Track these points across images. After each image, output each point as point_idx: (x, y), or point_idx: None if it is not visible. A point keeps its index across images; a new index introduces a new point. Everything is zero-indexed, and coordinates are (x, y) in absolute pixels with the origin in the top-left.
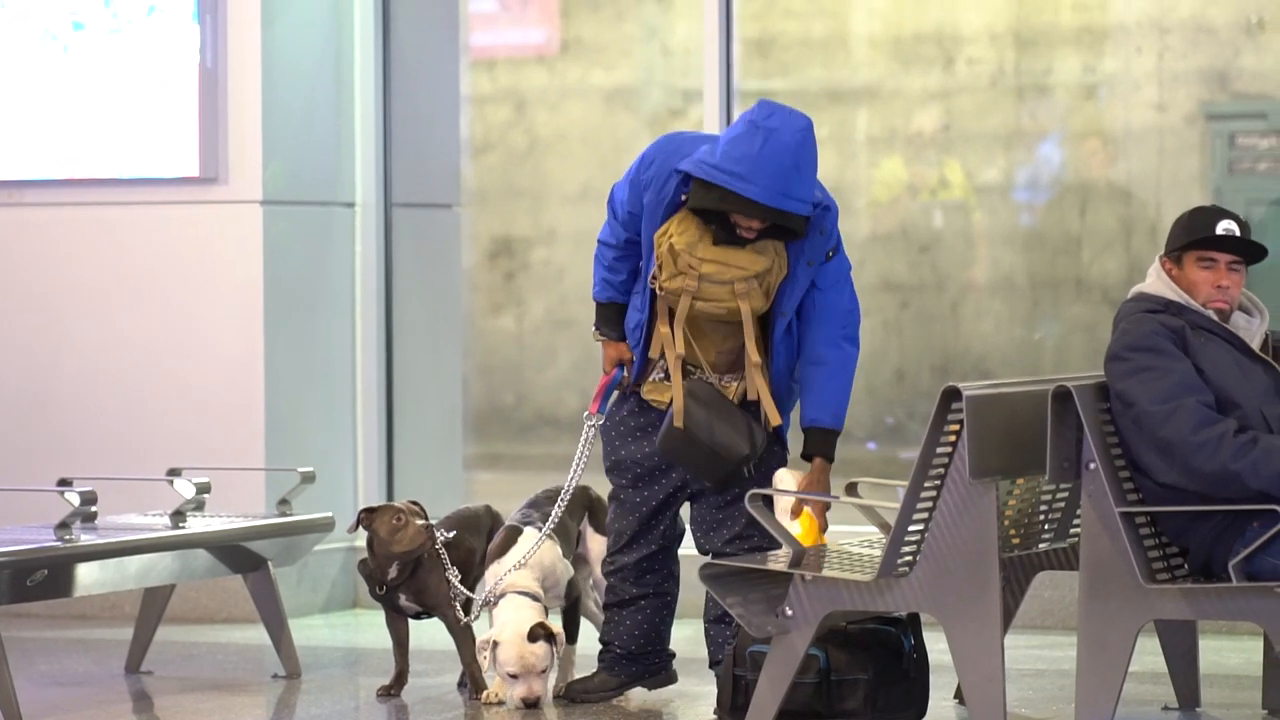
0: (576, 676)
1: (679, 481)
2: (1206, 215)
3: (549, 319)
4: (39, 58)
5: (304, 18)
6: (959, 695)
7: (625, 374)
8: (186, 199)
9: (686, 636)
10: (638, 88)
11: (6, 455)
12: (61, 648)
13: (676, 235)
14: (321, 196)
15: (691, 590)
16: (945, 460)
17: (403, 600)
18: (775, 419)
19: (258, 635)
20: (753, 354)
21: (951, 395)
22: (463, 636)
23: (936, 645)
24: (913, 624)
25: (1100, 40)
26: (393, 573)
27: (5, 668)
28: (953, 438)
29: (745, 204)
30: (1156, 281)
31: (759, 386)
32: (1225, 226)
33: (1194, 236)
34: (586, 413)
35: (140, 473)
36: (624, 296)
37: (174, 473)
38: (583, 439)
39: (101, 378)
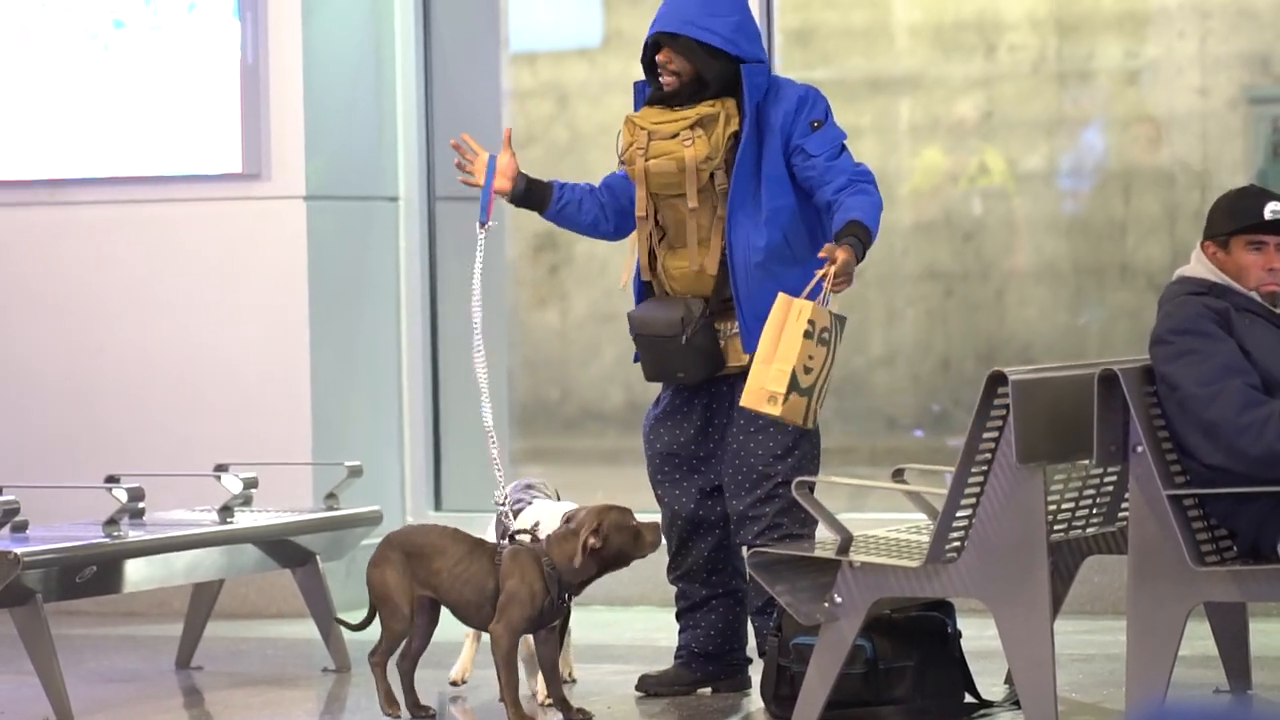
0: (650, 671)
1: (717, 474)
2: (1252, 198)
3: (593, 313)
4: (80, 56)
5: (344, 13)
6: (1009, 680)
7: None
8: (229, 195)
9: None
10: None
11: (54, 453)
12: (111, 644)
13: (630, 115)
14: (364, 191)
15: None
16: (992, 445)
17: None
18: (696, 263)
19: (307, 630)
20: (691, 200)
21: (997, 380)
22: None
23: (986, 631)
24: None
25: (1142, 25)
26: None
27: (55, 664)
28: (999, 423)
29: (656, 40)
30: (1198, 265)
31: (689, 231)
32: (1273, 209)
33: (1242, 222)
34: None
35: (187, 469)
36: (561, 189)
37: (221, 468)
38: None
39: (147, 375)
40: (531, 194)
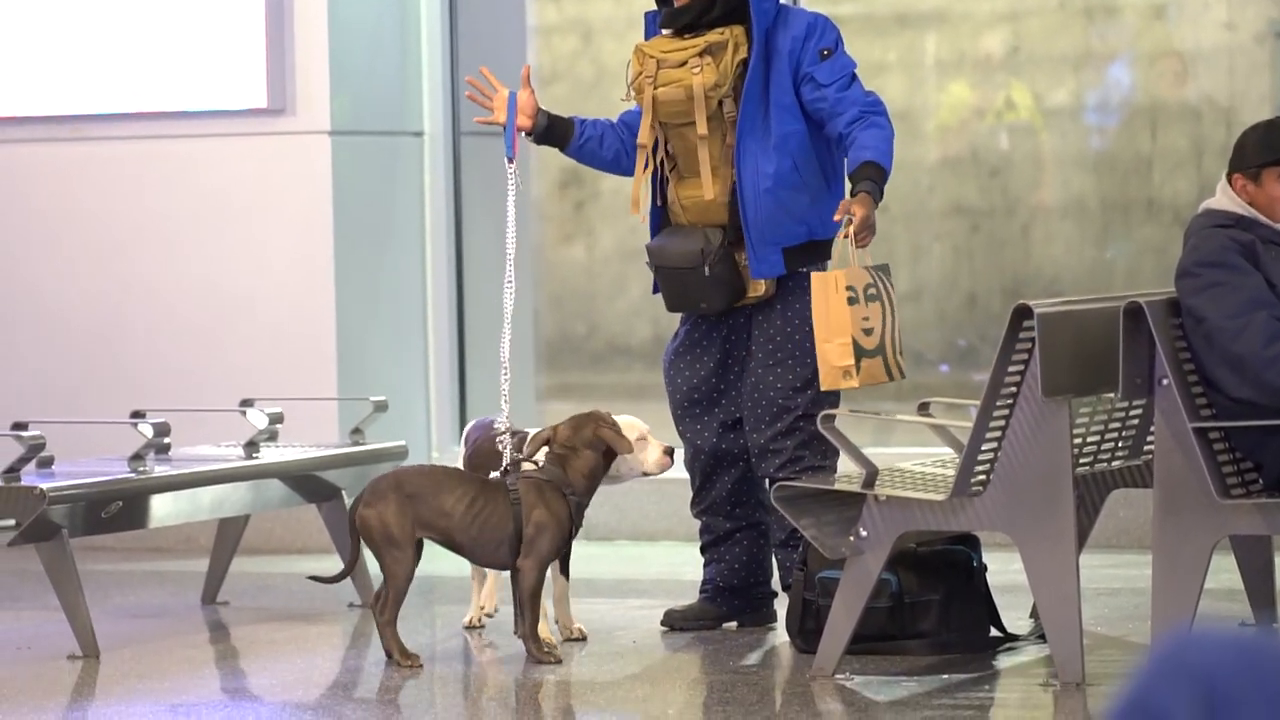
0: (675, 606)
1: (738, 406)
2: None
3: (619, 248)
4: None
5: None
6: (1034, 614)
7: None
8: (254, 131)
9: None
10: None
11: (79, 389)
12: (137, 580)
13: (639, 44)
14: (389, 126)
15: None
16: (1017, 379)
17: None
18: (710, 192)
19: (332, 565)
20: (701, 127)
21: (1023, 313)
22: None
23: (1011, 565)
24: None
25: None
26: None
27: (81, 600)
28: (1024, 356)
29: None
30: (1224, 198)
31: (701, 160)
32: None
33: (1275, 155)
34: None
35: (213, 404)
36: (582, 125)
37: (247, 403)
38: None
39: (173, 311)
40: (553, 131)
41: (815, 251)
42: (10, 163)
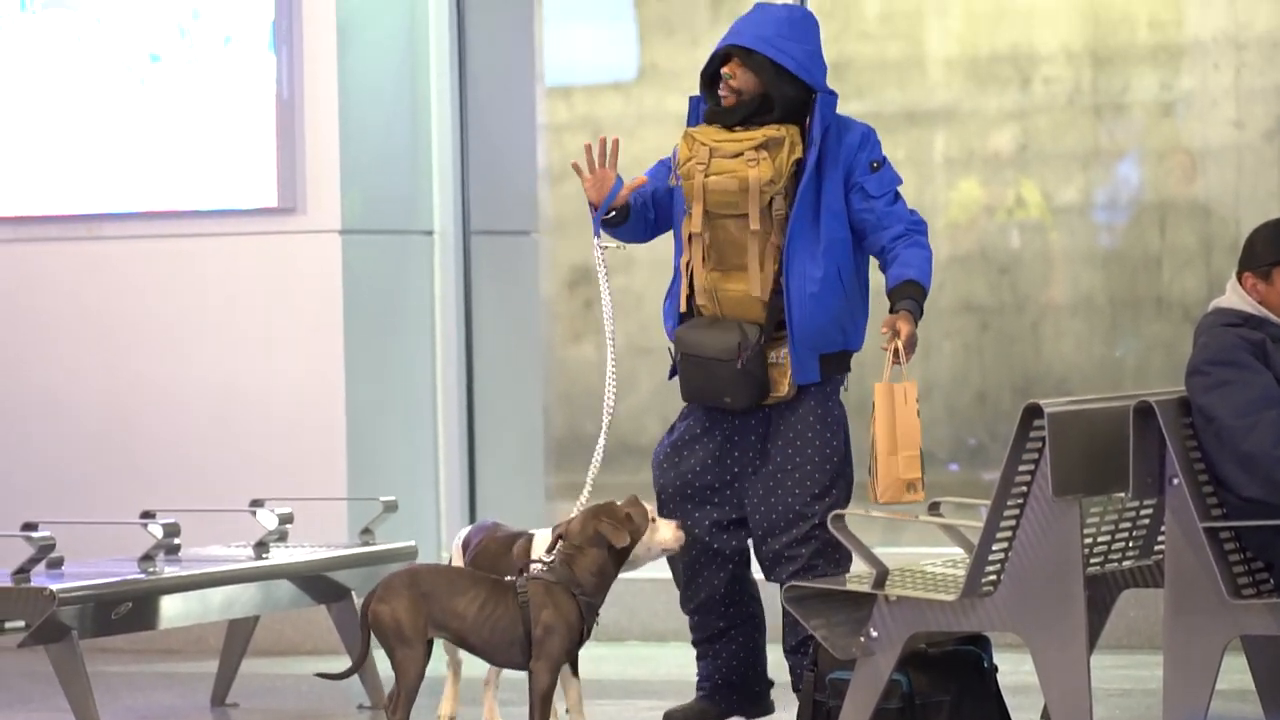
0: (675, 707)
1: (734, 506)
2: None
3: (629, 346)
4: (116, 90)
5: (380, 46)
6: (1045, 715)
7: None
8: (265, 229)
9: (772, 662)
10: None
11: (89, 488)
12: (147, 681)
13: (690, 130)
14: (400, 225)
15: (775, 616)
16: (1028, 478)
17: None
18: (755, 288)
19: (342, 666)
20: (754, 222)
21: (1033, 413)
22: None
23: (1022, 665)
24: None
25: (1177, 57)
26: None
27: (91, 702)
28: (1035, 455)
29: (727, 51)
30: (1234, 296)
31: (751, 254)
32: None
33: None
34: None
35: (223, 504)
36: (637, 201)
37: (256, 504)
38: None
39: (183, 409)
40: (618, 215)
41: (843, 362)
42: (23, 261)
